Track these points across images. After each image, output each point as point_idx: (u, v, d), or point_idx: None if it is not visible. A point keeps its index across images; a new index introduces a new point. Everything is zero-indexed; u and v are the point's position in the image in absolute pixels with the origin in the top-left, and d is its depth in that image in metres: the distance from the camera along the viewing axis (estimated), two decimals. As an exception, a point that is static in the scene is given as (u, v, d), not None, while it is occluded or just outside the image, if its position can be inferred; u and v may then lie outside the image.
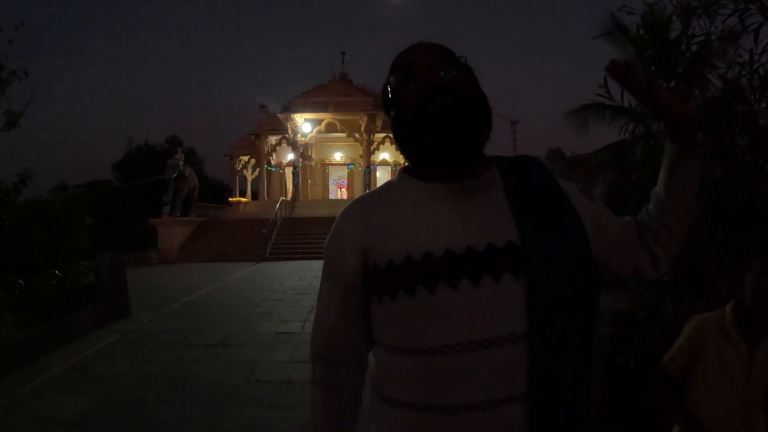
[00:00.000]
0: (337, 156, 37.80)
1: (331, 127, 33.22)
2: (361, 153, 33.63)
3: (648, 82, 1.20)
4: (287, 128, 33.40)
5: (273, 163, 37.56)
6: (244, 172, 39.41)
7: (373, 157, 33.92)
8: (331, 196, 37.44)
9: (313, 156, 36.21)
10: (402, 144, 1.28)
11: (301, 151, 33.67)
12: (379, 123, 32.56)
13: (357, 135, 33.21)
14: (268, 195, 36.34)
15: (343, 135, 33.62)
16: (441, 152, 1.20)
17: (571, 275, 1.17)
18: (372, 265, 1.23)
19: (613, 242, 1.32)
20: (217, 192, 46.56)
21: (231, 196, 38.72)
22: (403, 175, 1.34)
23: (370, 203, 1.34)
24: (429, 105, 1.19)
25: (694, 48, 4.27)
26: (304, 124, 32.90)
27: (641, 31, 4.70)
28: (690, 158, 1.27)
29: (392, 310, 1.20)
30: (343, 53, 39.07)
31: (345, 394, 1.41)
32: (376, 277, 1.22)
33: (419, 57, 1.26)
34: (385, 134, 32.70)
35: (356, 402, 1.44)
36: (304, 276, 15.51)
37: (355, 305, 1.31)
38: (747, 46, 3.74)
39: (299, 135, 33.11)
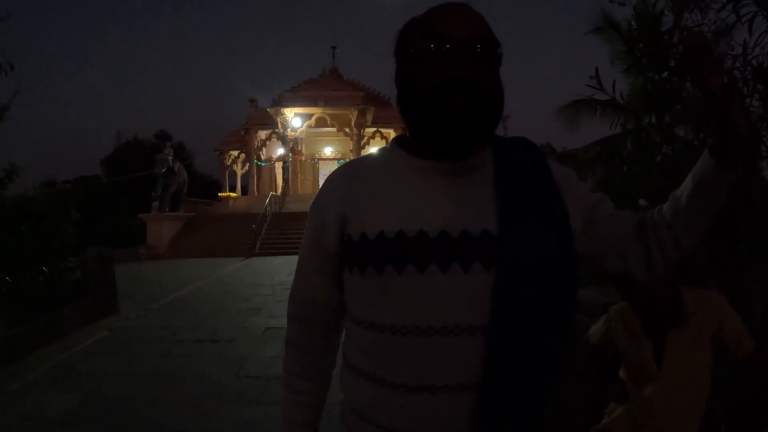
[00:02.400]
0: (328, 151, 37.74)
1: (321, 122, 33.18)
2: (351, 148, 33.59)
3: (729, 80, 1.03)
4: (277, 123, 33.32)
5: (263, 157, 37.47)
6: (234, 166, 39.28)
7: (363, 152, 33.85)
8: (322, 191, 37.01)
9: (303, 151, 36.13)
10: (405, 112, 1.23)
11: (291, 145, 33.60)
12: (369, 118, 32.57)
13: (347, 130, 33.20)
14: (257, 190, 36.22)
15: (334, 130, 33.58)
16: (444, 140, 1.16)
17: (545, 274, 1.14)
18: (347, 235, 1.21)
19: (607, 237, 1.26)
20: (207, 187, 46.39)
21: (221, 191, 38.58)
22: (394, 145, 1.31)
23: (357, 170, 1.32)
24: (447, 94, 1.12)
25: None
26: (294, 118, 32.82)
27: (633, 23, 4.69)
28: (725, 179, 1.13)
29: (360, 283, 1.20)
30: (334, 48, 39.10)
31: (319, 355, 1.43)
32: (349, 249, 1.21)
33: (456, 31, 1.14)
34: (375, 129, 32.74)
35: (329, 364, 1.46)
36: (294, 271, 15.36)
37: (333, 270, 1.30)
38: (740, 39, 3.73)
39: (289, 129, 33.03)
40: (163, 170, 26.07)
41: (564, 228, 1.19)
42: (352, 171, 1.32)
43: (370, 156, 1.36)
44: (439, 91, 1.12)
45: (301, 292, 1.40)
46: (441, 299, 1.12)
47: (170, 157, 26.64)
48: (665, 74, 4.33)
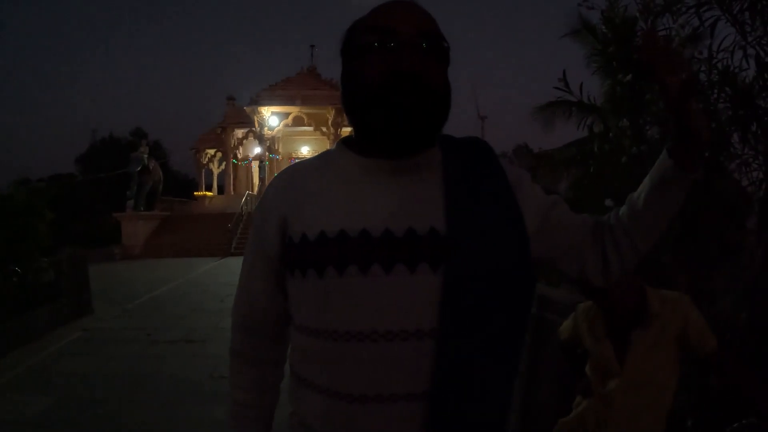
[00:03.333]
0: (304, 150, 37.58)
1: (298, 121, 33.02)
2: (328, 147, 33.30)
3: (686, 78, 1.01)
4: (254, 121, 33.11)
5: (240, 156, 37.25)
6: (210, 165, 39.00)
7: (322, 151, 33.72)
8: (298, 191, 36.90)
9: (280, 150, 35.96)
10: (349, 111, 1.19)
11: (267, 144, 33.41)
12: (346, 117, 32.46)
13: (324, 129, 33.07)
14: (234, 189, 36.02)
15: (311, 129, 33.42)
16: (388, 139, 1.11)
17: (496, 275, 1.08)
18: (288, 237, 1.16)
19: (563, 240, 1.21)
20: (183, 186, 45.91)
21: (197, 190, 38.24)
22: (340, 145, 1.26)
23: (300, 171, 1.26)
24: (391, 90, 1.07)
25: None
26: (271, 117, 32.64)
27: (603, 28, 4.76)
28: (683, 181, 1.12)
29: (302, 287, 1.14)
30: (312, 46, 38.74)
31: (265, 366, 1.36)
32: (289, 251, 1.15)
33: (401, 25, 1.10)
34: (352, 128, 32.64)
35: (277, 376, 1.39)
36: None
37: (276, 276, 1.23)
38: (706, 43, 3.81)
39: (266, 128, 32.85)
40: (138, 169, 25.85)
41: (518, 229, 1.14)
42: (294, 172, 1.27)
43: (314, 157, 1.32)
44: (384, 87, 1.07)
45: (244, 299, 1.33)
46: (385, 302, 1.06)
47: (145, 156, 26.42)
48: (630, 77, 4.40)
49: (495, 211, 1.14)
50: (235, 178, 36.91)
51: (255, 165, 36.58)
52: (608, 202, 4.52)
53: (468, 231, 1.09)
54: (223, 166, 37.90)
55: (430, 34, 1.12)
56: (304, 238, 1.12)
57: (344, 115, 1.23)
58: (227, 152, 36.20)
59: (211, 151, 38.12)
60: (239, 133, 35.77)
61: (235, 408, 1.35)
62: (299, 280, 1.13)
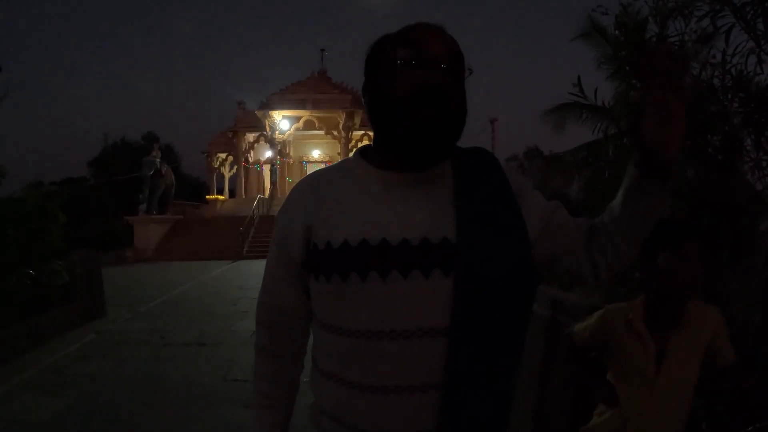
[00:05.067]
0: (315, 153, 37.67)
1: (309, 125, 33.09)
2: (339, 150, 33.51)
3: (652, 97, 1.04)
4: (265, 125, 33.22)
5: (251, 160, 37.36)
6: (222, 169, 39.12)
7: (350, 155, 33.77)
8: (309, 194, 36.91)
9: (291, 153, 36.07)
10: (376, 121, 1.29)
11: (279, 148, 33.51)
12: (357, 121, 32.51)
13: (335, 132, 33.13)
14: (245, 192, 36.13)
15: (321, 132, 33.50)
16: (413, 150, 1.22)
17: (502, 278, 1.18)
18: (312, 244, 1.26)
19: (562, 243, 1.30)
20: (195, 189, 46.12)
21: (208, 194, 38.37)
22: (357, 156, 1.37)
23: (323, 179, 1.37)
24: (419, 104, 1.16)
25: (668, 48, 4.31)
26: (282, 121, 32.73)
27: (617, 32, 4.75)
28: (653, 191, 1.16)
29: (326, 289, 1.24)
30: (323, 50, 38.81)
31: (288, 360, 1.48)
32: (314, 257, 1.25)
33: (431, 45, 1.21)
34: (363, 132, 32.68)
35: (298, 368, 1.51)
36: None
37: (300, 277, 1.34)
38: (720, 47, 3.79)
39: (277, 132, 32.94)
40: (151, 172, 25.95)
41: (521, 234, 1.23)
42: (318, 181, 1.37)
43: (335, 166, 1.42)
44: (411, 101, 1.17)
45: (268, 299, 1.45)
46: (403, 304, 1.17)
47: (158, 160, 26.52)
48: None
49: (500, 219, 1.24)
50: (246, 182, 37.03)
51: (266, 169, 36.65)
52: None
53: (476, 239, 1.19)
54: (234, 170, 38.02)
55: (455, 55, 1.23)
56: (328, 245, 1.23)
57: (354, 118, 1.29)
58: (238, 156, 36.33)
59: (223, 155, 38.25)
60: (250, 137, 35.90)
61: (259, 398, 1.46)
62: (323, 283, 1.24)
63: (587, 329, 2.42)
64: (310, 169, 36.76)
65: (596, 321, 2.39)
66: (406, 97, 1.18)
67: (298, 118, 32.97)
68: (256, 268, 17.34)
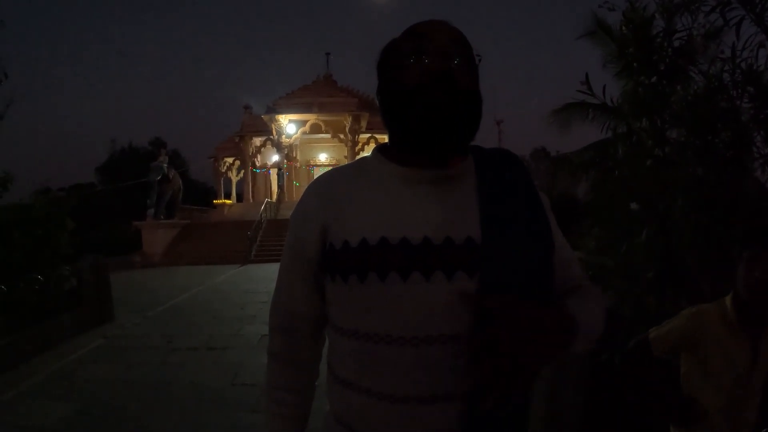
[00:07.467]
0: (322, 157, 37.74)
1: (315, 128, 33.18)
2: (345, 154, 33.57)
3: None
4: (272, 129, 33.33)
5: (258, 164, 37.45)
6: (229, 173, 39.26)
7: (357, 158, 33.80)
8: (317, 198, 36.99)
9: (298, 157, 36.12)
10: (387, 116, 1.24)
11: (285, 152, 33.59)
12: (363, 124, 32.59)
13: (341, 136, 33.19)
14: (252, 197, 36.22)
15: (328, 136, 33.59)
16: (424, 137, 1.15)
17: (528, 282, 1.11)
18: (329, 243, 1.20)
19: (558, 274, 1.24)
20: (202, 194, 46.28)
21: (215, 198, 38.50)
22: (376, 153, 1.30)
23: (339, 178, 1.30)
24: (426, 90, 1.12)
25: (676, 44, 4.28)
26: (288, 125, 32.83)
27: (623, 28, 4.72)
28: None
29: (343, 291, 1.17)
30: (328, 54, 38.94)
31: (303, 366, 1.40)
32: (331, 257, 1.19)
33: (438, 35, 1.17)
34: (369, 135, 32.74)
35: (313, 375, 1.44)
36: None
37: (315, 279, 1.27)
38: (729, 42, 3.76)
39: (284, 136, 33.04)
40: (158, 178, 26.01)
41: (547, 238, 1.20)
42: (333, 179, 1.31)
43: (351, 164, 1.35)
44: (420, 87, 1.13)
45: (282, 303, 1.38)
46: (425, 308, 1.10)
47: (165, 165, 26.58)
48: (654, 79, 4.35)
49: (528, 220, 1.19)
50: (253, 186, 37.12)
51: (273, 173, 36.75)
52: (634, 206, 4.47)
53: (502, 240, 1.13)
54: (241, 174, 38.16)
55: (461, 43, 1.19)
56: (345, 244, 1.16)
57: (360, 121, 1.24)
58: (245, 160, 36.43)
59: (230, 160, 38.40)
60: (257, 141, 35.99)
61: (274, 407, 1.39)
62: (340, 284, 1.17)
63: (674, 330, 2.33)
64: (317, 173, 36.84)
65: (687, 320, 2.31)
66: (415, 84, 1.14)
67: (304, 122, 33.06)
68: (264, 272, 17.40)
